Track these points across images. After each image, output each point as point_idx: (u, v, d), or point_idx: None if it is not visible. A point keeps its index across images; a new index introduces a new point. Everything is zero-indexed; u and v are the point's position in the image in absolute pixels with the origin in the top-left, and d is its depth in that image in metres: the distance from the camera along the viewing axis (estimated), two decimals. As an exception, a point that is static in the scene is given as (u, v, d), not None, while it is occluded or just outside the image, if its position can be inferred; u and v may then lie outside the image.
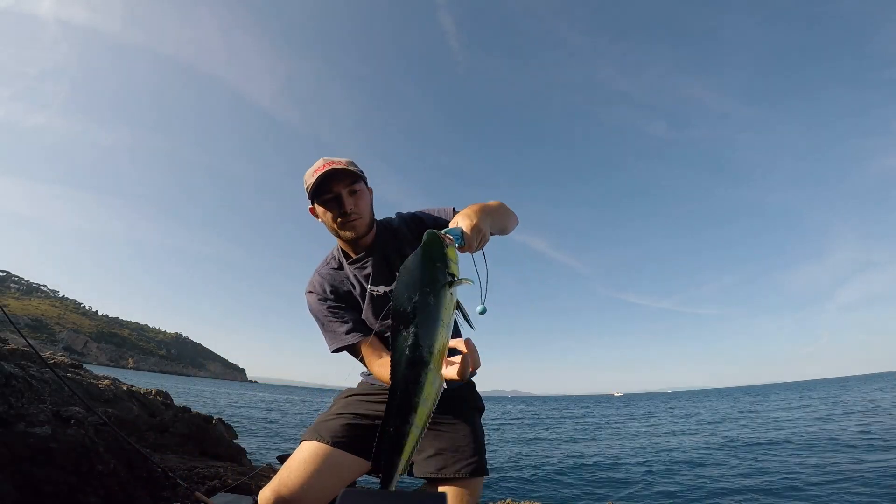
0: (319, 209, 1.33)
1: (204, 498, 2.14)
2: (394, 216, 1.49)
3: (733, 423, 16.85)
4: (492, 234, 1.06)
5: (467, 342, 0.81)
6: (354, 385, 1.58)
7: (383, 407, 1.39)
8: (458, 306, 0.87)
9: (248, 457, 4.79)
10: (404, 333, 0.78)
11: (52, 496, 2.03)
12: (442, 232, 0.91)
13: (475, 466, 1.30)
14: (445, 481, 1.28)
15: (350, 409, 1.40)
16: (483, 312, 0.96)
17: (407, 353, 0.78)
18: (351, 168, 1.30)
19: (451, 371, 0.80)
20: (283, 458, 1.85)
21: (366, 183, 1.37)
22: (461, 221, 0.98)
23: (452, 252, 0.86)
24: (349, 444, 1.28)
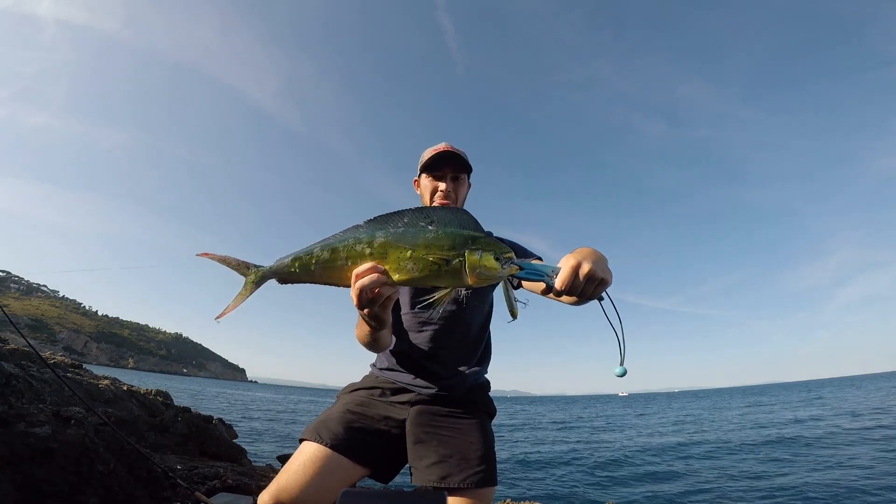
0: (423, 182, 1.50)
1: (204, 498, 2.14)
2: (494, 235, 1.51)
3: (734, 423, 16.84)
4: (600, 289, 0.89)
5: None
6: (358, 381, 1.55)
7: (388, 407, 1.38)
8: (507, 286, 0.92)
9: (248, 457, 4.78)
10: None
11: (52, 496, 2.03)
12: (533, 261, 0.88)
13: (483, 476, 1.21)
14: (450, 491, 1.18)
15: (353, 408, 1.36)
16: (622, 374, 0.93)
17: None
18: (463, 157, 1.46)
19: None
20: (283, 459, 1.86)
21: (468, 177, 1.52)
22: (568, 261, 0.86)
23: (491, 263, 0.83)
24: (349, 447, 1.25)
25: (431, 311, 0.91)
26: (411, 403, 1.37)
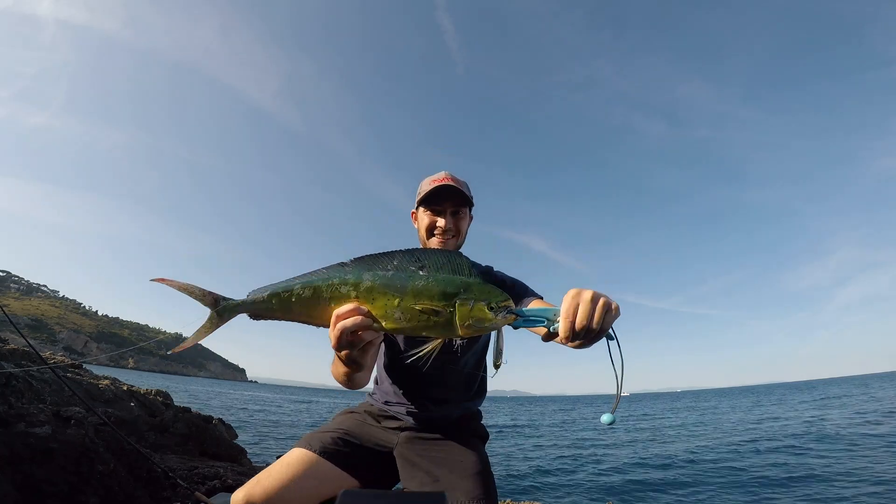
0: (421, 215, 1.40)
1: (204, 498, 2.15)
2: (494, 270, 1.47)
3: (736, 423, 16.83)
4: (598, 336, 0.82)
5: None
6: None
7: (380, 431, 1.37)
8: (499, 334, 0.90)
9: (248, 457, 4.79)
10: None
11: (52, 496, 2.03)
12: (533, 303, 0.85)
13: (481, 492, 1.13)
14: None
15: (347, 427, 1.36)
16: (610, 423, 0.86)
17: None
18: (464, 191, 1.36)
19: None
20: (282, 459, 1.86)
21: (470, 210, 1.44)
22: (565, 303, 0.79)
23: (483, 314, 0.78)
24: (338, 457, 1.24)
25: (421, 364, 0.84)
26: (401, 429, 1.37)
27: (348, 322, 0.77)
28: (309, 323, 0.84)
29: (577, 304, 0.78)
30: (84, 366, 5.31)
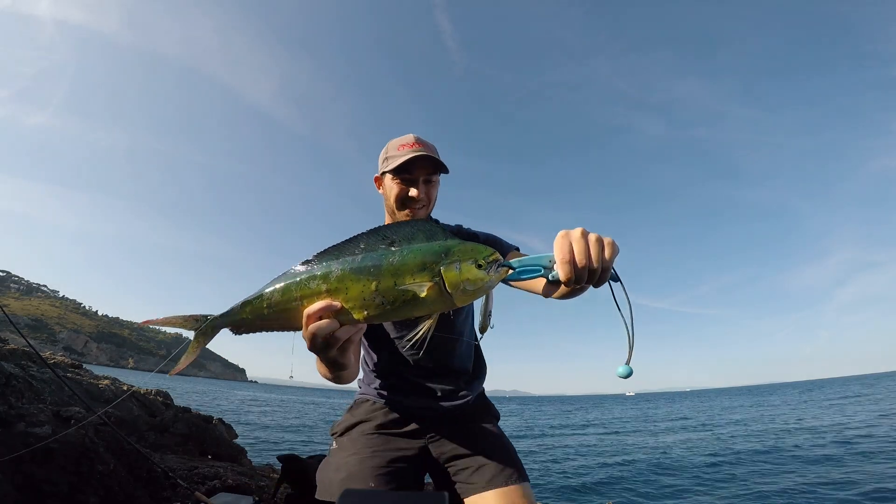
0: (388, 183, 1.27)
1: (204, 498, 2.15)
2: (464, 227, 1.40)
3: (738, 423, 16.83)
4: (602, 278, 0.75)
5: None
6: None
7: (405, 442, 1.24)
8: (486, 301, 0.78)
9: (248, 457, 4.79)
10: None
11: (52, 496, 2.03)
12: (517, 260, 0.75)
13: (521, 471, 1.21)
14: (499, 493, 1.14)
15: (370, 454, 1.19)
16: (626, 375, 0.76)
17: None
18: (438, 158, 1.24)
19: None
20: (283, 459, 1.85)
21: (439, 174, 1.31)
22: (557, 245, 0.72)
23: (475, 274, 0.70)
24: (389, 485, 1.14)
25: (418, 348, 0.77)
26: (426, 427, 1.28)
27: (322, 323, 0.70)
28: (286, 329, 0.77)
29: (570, 244, 0.71)
30: (84, 366, 5.31)
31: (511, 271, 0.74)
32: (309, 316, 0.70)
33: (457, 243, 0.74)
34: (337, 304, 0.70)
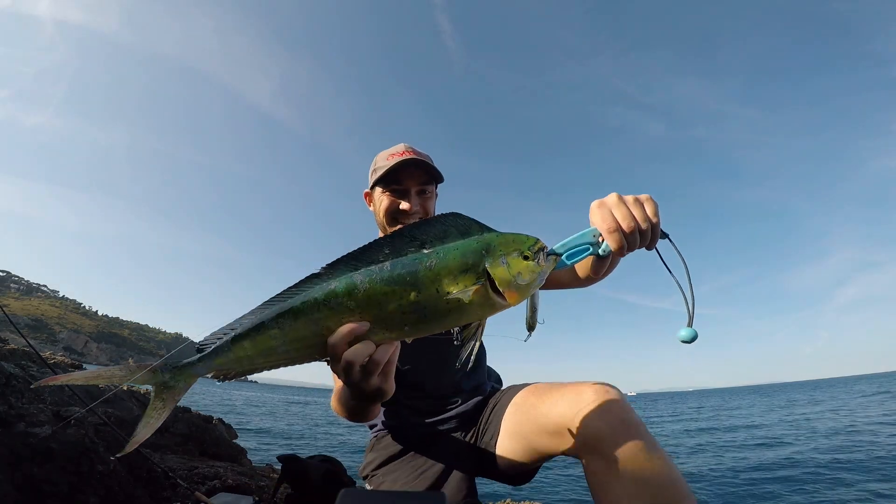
0: (378, 196, 1.16)
1: (204, 498, 2.15)
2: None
3: (739, 423, 16.82)
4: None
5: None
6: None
7: (436, 452, 1.15)
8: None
9: (248, 457, 4.79)
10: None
11: (52, 496, 2.03)
12: (560, 244, 0.67)
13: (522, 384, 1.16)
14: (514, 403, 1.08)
15: (420, 471, 1.13)
16: (691, 339, 0.70)
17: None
18: (432, 164, 1.13)
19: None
20: (283, 459, 1.85)
21: (436, 187, 1.20)
22: (597, 216, 0.67)
23: (525, 266, 0.61)
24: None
25: (465, 360, 0.67)
26: (444, 437, 1.22)
27: (358, 348, 0.58)
28: (301, 362, 0.64)
29: (610, 211, 0.66)
30: (84, 366, 5.31)
31: (559, 258, 0.66)
32: (338, 342, 0.58)
33: (495, 236, 0.64)
34: (367, 323, 0.59)
